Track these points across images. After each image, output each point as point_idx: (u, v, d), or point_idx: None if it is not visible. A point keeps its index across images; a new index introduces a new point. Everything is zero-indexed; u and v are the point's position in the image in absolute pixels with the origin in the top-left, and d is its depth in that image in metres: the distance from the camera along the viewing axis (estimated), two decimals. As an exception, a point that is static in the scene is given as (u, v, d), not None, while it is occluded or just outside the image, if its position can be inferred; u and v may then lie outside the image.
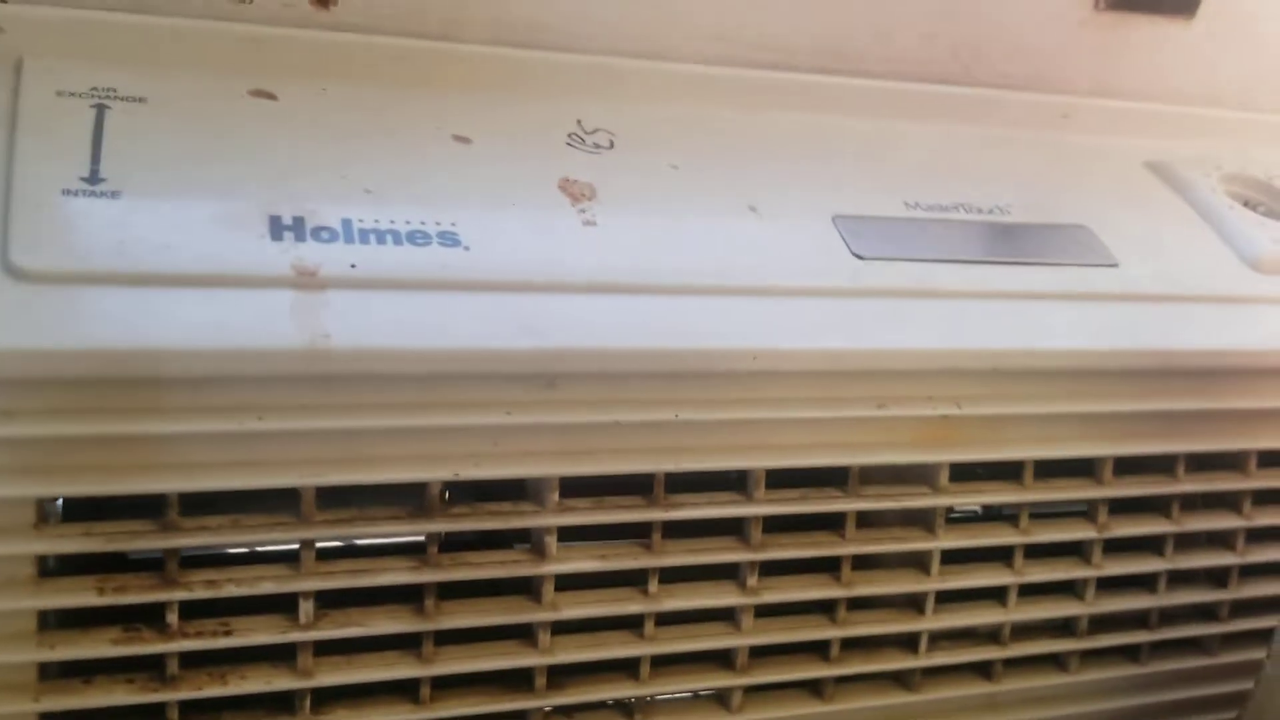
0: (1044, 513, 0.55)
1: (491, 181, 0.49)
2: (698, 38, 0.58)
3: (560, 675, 0.49)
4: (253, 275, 0.42)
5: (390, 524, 0.44)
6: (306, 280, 0.42)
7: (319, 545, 0.44)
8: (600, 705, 0.50)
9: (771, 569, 0.50)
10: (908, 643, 0.54)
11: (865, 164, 0.58)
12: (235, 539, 0.43)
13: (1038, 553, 0.55)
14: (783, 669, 0.52)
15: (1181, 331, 0.54)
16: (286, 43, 0.51)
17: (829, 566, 0.52)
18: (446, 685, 0.47)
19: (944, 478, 0.52)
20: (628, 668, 0.50)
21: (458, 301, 0.44)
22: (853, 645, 0.53)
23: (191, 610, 0.43)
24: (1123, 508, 0.56)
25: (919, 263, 0.52)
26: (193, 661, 0.43)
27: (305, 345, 0.41)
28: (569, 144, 0.53)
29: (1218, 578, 0.60)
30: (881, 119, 0.61)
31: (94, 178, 0.43)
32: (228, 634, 0.43)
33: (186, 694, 0.43)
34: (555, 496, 0.46)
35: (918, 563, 0.53)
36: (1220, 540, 0.59)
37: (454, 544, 0.46)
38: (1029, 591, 0.56)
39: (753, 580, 0.50)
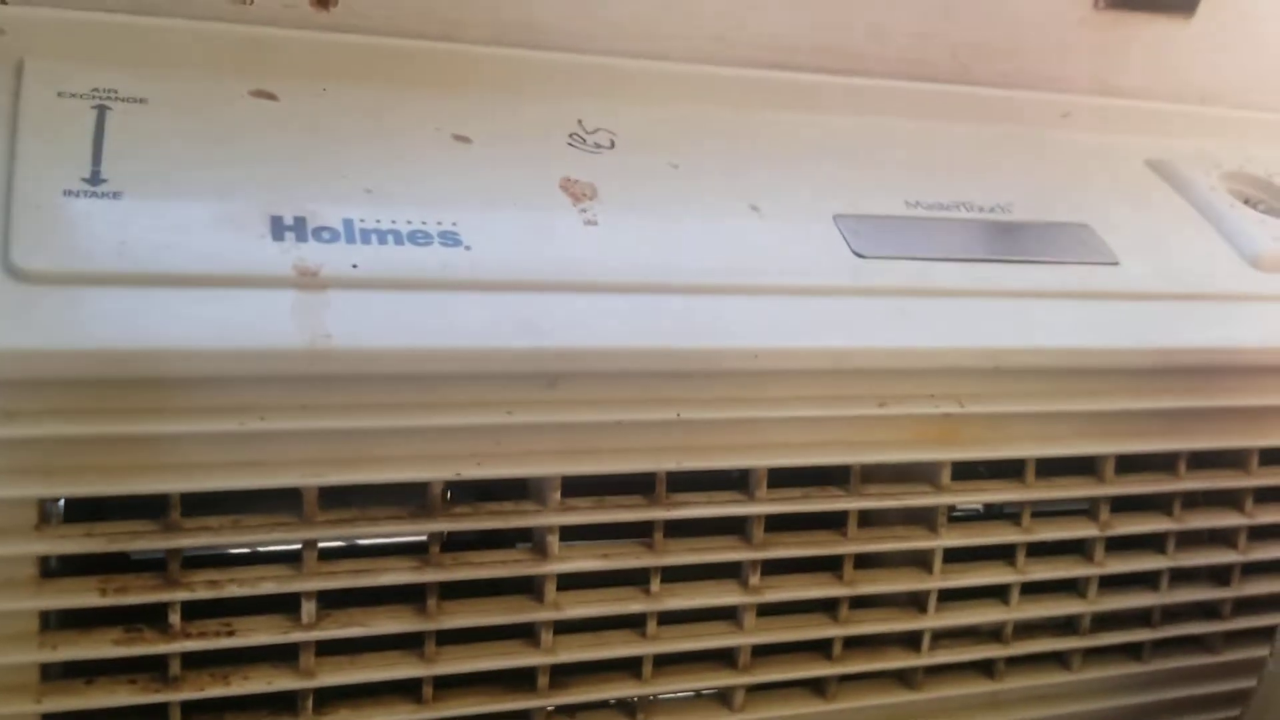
0: (1046, 511, 0.55)
1: (492, 181, 0.49)
2: (698, 38, 0.58)
3: (562, 675, 0.49)
4: (254, 275, 0.42)
5: (392, 524, 0.44)
6: (308, 280, 0.42)
7: (321, 545, 0.44)
8: (603, 704, 0.50)
9: (773, 568, 0.50)
10: (910, 641, 0.54)
11: (866, 163, 0.58)
12: (237, 539, 0.43)
13: (1040, 551, 0.55)
14: (785, 668, 0.52)
15: (1182, 329, 0.54)
16: (287, 43, 0.51)
17: (831, 565, 0.52)
18: (449, 685, 0.47)
19: (946, 476, 0.52)
20: (630, 667, 0.50)
21: (459, 301, 0.44)
22: (855, 644, 0.53)
23: (193, 610, 0.43)
24: (1124, 506, 0.56)
25: (920, 261, 0.52)
26: (195, 662, 0.43)
27: (307, 345, 0.41)
28: (570, 144, 0.53)
29: (1220, 575, 0.60)
30: (882, 118, 0.61)
31: (95, 178, 0.43)
32: (230, 634, 0.43)
33: (189, 694, 0.43)
34: (557, 496, 0.46)
35: (920, 561, 0.53)
36: (1222, 538, 0.59)
37: (456, 544, 0.46)
38: (1031, 590, 0.56)
39: (755, 579, 0.50)
